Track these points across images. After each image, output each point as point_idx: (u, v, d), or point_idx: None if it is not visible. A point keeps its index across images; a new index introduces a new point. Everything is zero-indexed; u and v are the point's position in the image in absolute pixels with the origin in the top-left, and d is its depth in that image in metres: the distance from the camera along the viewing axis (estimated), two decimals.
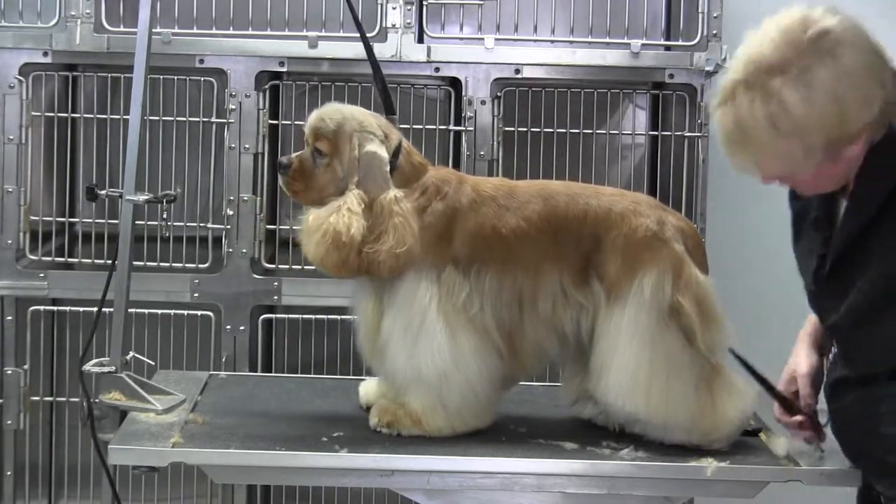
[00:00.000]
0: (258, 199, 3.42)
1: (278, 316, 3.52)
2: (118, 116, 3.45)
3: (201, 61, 3.38)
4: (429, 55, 3.38)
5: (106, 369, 2.64)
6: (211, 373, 3.04)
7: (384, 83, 2.66)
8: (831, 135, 2.11)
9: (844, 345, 2.34)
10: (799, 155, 2.13)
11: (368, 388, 2.71)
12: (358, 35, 2.72)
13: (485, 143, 3.42)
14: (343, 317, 3.35)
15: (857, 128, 2.12)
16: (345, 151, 2.51)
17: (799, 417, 2.45)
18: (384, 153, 2.51)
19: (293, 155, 2.57)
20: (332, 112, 2.54)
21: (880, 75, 2.12)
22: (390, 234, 2.45)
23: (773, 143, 2.13)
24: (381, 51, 3.28)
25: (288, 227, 3.51)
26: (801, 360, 2.46)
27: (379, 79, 2.66)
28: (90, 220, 3.56)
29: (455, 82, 3.48)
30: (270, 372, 3.54)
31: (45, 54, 3.37)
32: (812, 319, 2.48)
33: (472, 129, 3.42)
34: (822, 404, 2.45)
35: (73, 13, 3.34)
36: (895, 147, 2.17)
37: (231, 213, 3.41)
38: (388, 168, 2.51)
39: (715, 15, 3.38)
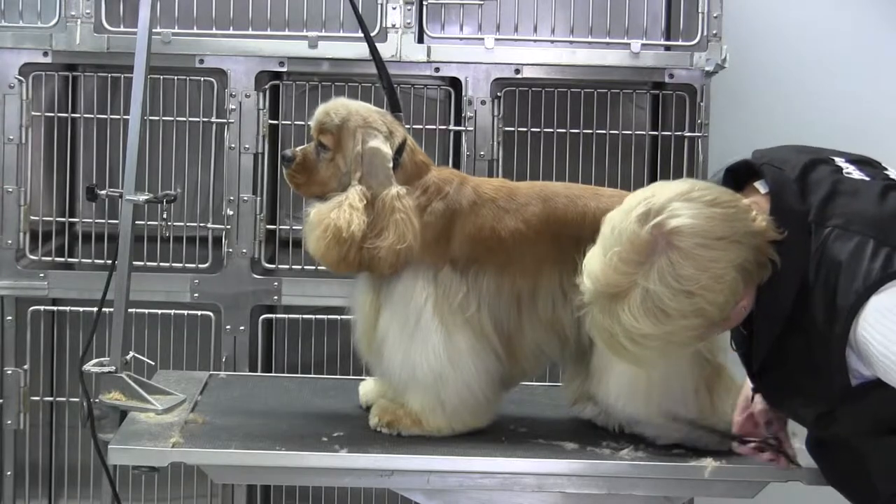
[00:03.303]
0: (258, 199, 3.41)
1: (278, 316, 3.52)
2: (118, 116, 3.45)
3: (201, 61, 3.38)
4: (429, 55, 3.38)
5: (106, 369, 2.65)
6: (211, 373, 3.04)
7: (390, 81, 2.66)
8: (702, 327, 2.05)
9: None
10: (682, 344, 2.09)
11: (368, 387, 2.71)
12: (358, 35, 2.73)
13: (485, 143, 3.42)
14: (343, 317, 3.35)
15: (728, 309, 2.05)
16: (348, 146, 2.52)
17: (752, 445, 2.40)
18: (387, 150, 2.51)
19: (297, 148, 2.58)
20: (338, 107, 2.55)
21: (728, 255, 2.02)
22: (391, 231, 2.45)
23: (644, 352, 2.07)
24: (381, 51, 3.24)
25: (288, 227, 3.51)
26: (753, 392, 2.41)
27: (385, 76, 2.66)
28: (90, 220, 3.56)
29: (455, 82, 3.47)
30: (270, 372, 3.53)
31: (45, 54, 3.37)
32: None
33: (472, 129, 3.41)
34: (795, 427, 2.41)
35: (73, 13, 3.33)
36: (779, 286, 2.08)
37: (231, 213, 3.40)
38: (390, 164, 2.51)
39: (715, 15, 3.37)
